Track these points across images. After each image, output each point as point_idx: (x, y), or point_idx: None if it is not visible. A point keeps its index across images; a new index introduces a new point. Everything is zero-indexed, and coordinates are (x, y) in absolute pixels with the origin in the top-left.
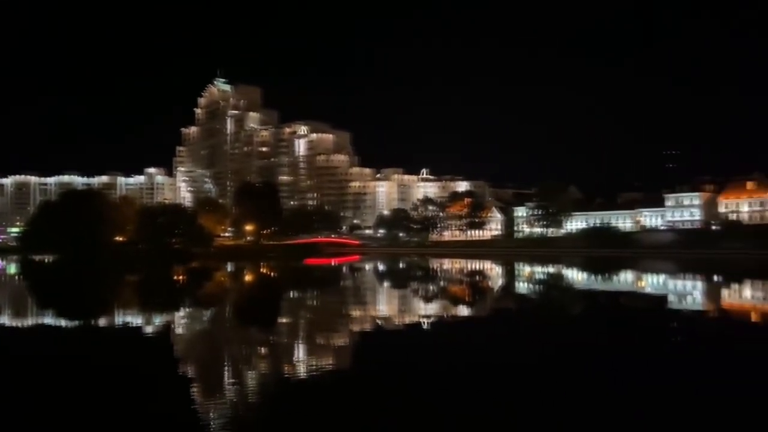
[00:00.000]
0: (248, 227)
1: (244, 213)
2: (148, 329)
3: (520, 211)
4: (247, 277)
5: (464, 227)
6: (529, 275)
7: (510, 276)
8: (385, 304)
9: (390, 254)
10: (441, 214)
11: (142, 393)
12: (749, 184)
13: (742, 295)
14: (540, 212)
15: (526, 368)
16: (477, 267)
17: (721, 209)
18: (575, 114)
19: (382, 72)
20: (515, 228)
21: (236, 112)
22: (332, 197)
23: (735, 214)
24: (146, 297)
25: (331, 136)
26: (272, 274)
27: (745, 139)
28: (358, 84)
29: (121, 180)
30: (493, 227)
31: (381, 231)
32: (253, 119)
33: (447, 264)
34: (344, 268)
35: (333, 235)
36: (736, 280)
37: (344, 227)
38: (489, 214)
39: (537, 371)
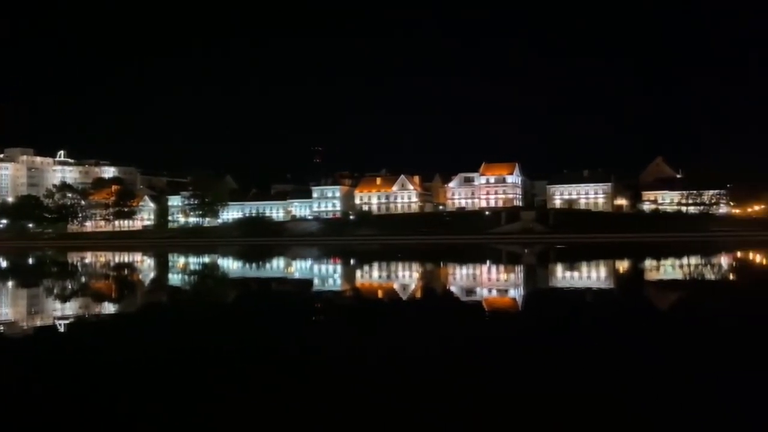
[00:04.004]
0: None
1: None
2: None
3: (175, 200)
4: None
5: (111, 217)
6: (183, 266)
7: (162, 268)
8: (7, 307)
9: (16, 248)
10: (83, 202)
11: None
12: (378, 180)
13: (372, 275)
14: (195, 201)
15: (171, 362)
16: (126, 259)
17: (357, 201)
18: (232, 105)
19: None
20: (169, 218)
21: None
22: None
23: (367, 206)
24: None
25: None
26: None
27: (378, 138)
28: None
29: None
30: (145, 217)
31: (3, 221)
32: None
33: (90, 257)
34: None
35: None
36: (365, 262)
37: None
38: (140, 203)
39: (180, 364)
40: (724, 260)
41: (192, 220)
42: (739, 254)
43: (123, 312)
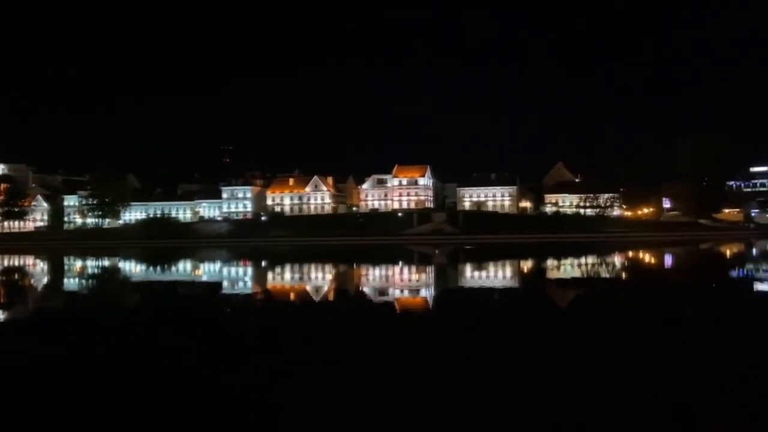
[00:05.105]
0: None
1: None
2: None
3: (72, 200)
4: None
5: None
6: (80, 270)
7: (57, 272)
8: None
9: None
10: None
11: None
12: (291, 180)
13: (284, 278)
14: (94, 201)
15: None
16: (15, 263)
17: (269, 201)
18: (134, 102)
19: None
20: (66, 219)
21: None
22: None
23: (280, 206)
24: None
25: None
26: None
27: (289, 139)
28: None
29: None
30: (38, 218)
31: None
32: None
33: None
34: None
35: None
36: (276, 263)
37: None
38: (32, 203)
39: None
40: (617, 259)
41: (90, 221)
42: (630, 253)
43: (11, 320)
